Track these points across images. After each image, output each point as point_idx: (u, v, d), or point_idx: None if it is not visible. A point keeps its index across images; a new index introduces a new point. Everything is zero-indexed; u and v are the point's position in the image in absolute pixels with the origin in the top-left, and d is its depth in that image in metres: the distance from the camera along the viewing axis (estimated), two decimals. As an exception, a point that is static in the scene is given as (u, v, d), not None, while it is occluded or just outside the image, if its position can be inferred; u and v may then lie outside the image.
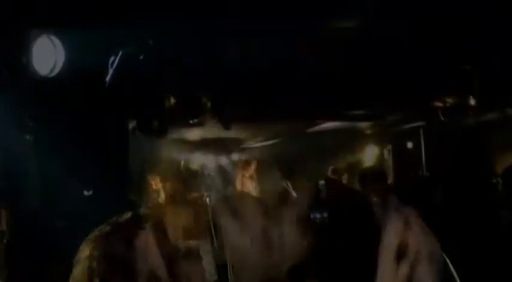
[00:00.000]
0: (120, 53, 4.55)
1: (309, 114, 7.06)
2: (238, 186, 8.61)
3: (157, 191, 9.48)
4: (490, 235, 3.58)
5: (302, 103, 6.38)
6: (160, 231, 2.80)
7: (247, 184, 8.72)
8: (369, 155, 11.70)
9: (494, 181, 5.23)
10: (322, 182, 8.84)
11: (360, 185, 4.24)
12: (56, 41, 3.45)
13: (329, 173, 9.64)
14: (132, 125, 6.35)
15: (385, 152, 11.63)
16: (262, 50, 5.26)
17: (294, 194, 8.34)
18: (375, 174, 4.26)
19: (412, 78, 6.30)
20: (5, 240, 3.10)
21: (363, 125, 9.84)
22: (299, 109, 6.70)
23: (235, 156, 11.45)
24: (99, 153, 5.37)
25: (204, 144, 11.04)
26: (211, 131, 8.93)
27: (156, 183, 9.58)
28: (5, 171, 3.84)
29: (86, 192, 4.66)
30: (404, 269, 3.04)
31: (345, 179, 9.43)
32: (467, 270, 3.14)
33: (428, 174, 9.07)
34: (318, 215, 3.78)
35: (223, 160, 11.69)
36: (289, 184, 9.15)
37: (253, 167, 8.86)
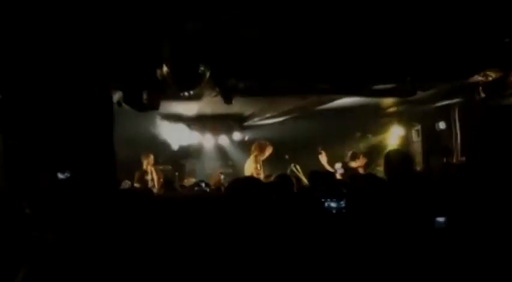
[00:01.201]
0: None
1: (325, 87, 6.95)
2: (248, 172, 8.92)
3: (149, 174, 9.67)
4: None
5: (317, 74, 6.28)
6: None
7: (258, 170, 8.99)
8: (394, 136, 11.63)
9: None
10: (338, 165, 8.82)
11: (383, 171, 4.15)
12: None
13: (347, 158, 9.57)
14: (117, 97, 6.32)
15: (413, 134, 11.55)
16: (271, 9, 5.17)
17: (304, 179, 8.50)
18: (401, 159, 4.17)
19: (449, 49, 6.23)
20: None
21: (388, 101, 9.70)
22: (314, 81, 6.60)
23: (237, 136, 11.57)
24: (78, 129, 5.31)
25: (201, 121, 10.98)
26: (210, 105, 8.90)
27: (146, 165, 9.80)
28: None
29: (60, 175, 4.60)
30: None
31: (362, 164, 9.40)
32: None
33: (464, 159, 8.97)
34: (333, 205, 3.74)
35: (224, 140, 11.79)
36: (298, 169, 9.39)
37: (268, 152, 9.13)
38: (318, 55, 6.07)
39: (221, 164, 12.01)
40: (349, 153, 9.69)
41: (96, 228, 2.48)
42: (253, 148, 9.04)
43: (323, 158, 8.91)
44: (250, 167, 8.85)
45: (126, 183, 8.64)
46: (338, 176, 8.40)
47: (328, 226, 3.55)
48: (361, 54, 6.22)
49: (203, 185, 6.88)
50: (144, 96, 6.16)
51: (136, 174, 9.43)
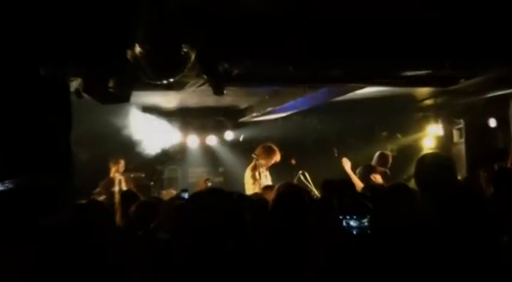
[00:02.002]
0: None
1: (342, 75, 6.95)
2: (248, 184, 8.98)
3: (115, 185, 9.68)
4: None
5: (332, 57, 6.30)
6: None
7: (256, 179, 9.04)
8: (430, 137, 11.66)
9: None
10: (360, 170, 8.85)
11: (415, 179, 4.18)
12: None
13: (374, 162, 9.59)
14: (75, 85, 6.31)
15: (455, 133, 11.58)
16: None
17: (315, 191, 8.50)
18: (438, 165, 4.18)
19: (500, 23, 6.22)
20: None
21: (422, 92, 9.72)
22: (326, 66, 6.62)
23: (230, 135, 11.60)
24: (22, 127, 5.29)
25: (184, 116, 11.03)
26: (195, 96, 8.91)
27: (114, 173, 9.81)
28: None
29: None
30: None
31: (382, 170, 9.43)
32: None
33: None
34: (354, 223, 3.78)
35: (213, 140, 11.82)
36: (308, 177, 9.40)
37: (275, 159, 9.20)
38: (334, 33, 6.07)
39: (209, 171, 12.04)
40: (377, 155, 9.50)
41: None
42: (257, 152, 9.08)
43: (347, 164, 8.93)
44: (248, 176, 8.92)
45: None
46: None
47: (348, 251, 3.56)
48: (387, 31, 6.21)
49: (186, 196, 6.88)
50: (111, 84, 6.16)
51: (101, 185, 9.45)
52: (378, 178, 8.53)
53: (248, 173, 8.98)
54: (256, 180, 8.81)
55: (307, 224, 4.21)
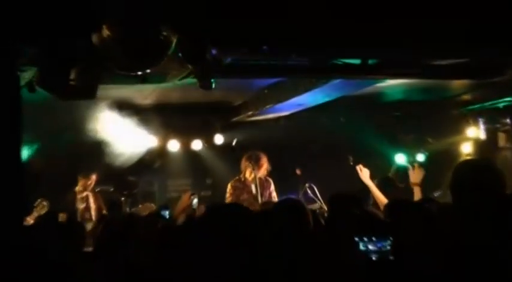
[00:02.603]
0: None
1: (357, 62, 6.97)
2: (231, 196, 9.10)
3: (78, 202, 9.69)
4: None
5: (345, 41, 6.30)
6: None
7: (249, 193, 9.13)
8: (469, 140, 11.67)
9: None
10: (376, 183, 8.84)
11: (451, 193, 4.19)
12: None
13: (392, 173, 9.57)
14: (27, 76, 6.30)
15: (500, 136, 11.58)
16: None
17: (324, 206, 8.49)
18: (480, 175, 4.17)
19: None
20: None
21: (457, 85, 9.73)
22: (340, 52, 6.62)
23: (220, 139, 11.60)
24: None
25: (163, 115, 11.01)
26: (176, 90, 8.96)
27: (81, 188, 9.82)
28: None
29: None
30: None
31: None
32: None
33: None
34: (373, 246, 3.81)
35: (199, 145, 11.82)
36: (315, 190, 9.36)
37: (264, 166, 9.27)
38: (350, 10, 6.08)
39: (194, 183, 12.05)
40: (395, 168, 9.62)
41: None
42: (242, 164, 9.24)
43: (364, 174, 8.92)
44: (229, 192, 9.18)
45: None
46: None
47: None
48: (415, 7, 6.22)
49: (166, 214, 6.89)
50: (72, 75, 6.16)
51: (67, 200, 9.51)
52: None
53: (229, 189, 9.21)
54: (232, 194, 8.99)
55: (311, 250, 4.23)
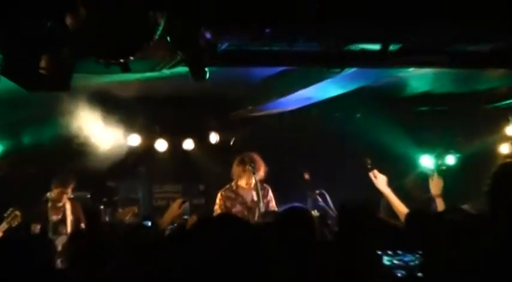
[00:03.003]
0: None
1: (378, 47, 6.96)
2: (222, 208, 9.11)
3: (49, 212, 9.67)
4: None
5: (362, 21, 6.27)
6: None
7: (243, 204, 9.14)
8: (508, 139, 11.64)
9: None
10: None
11: (488, 199, 4.21)
12: None
13: (409, 182, 9.54)
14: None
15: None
16: None
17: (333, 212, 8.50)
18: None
19: None
20: None
21: (494, 75, 9.71)
22: (357, 35, 6.61)
23: (215, 137, 11.58)
24: None
25: (149, 110, 11.04)
26: (165, 81, 8.95)
27: (56, 196, 9.80)
28: None
29: None
30: None
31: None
32: None
33: None
34: (398, 261, 3.87)
35: (190, 144, 11.83)
36: (327, 198, 9.35)
37: (262, 169, 9.26)
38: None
39: (184, 189, 12.04)
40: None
41: None
42: (235, 170, 9.22)
43: (379, 181, 8.88)
44: (218, 203, 9.15)
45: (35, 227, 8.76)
46: None
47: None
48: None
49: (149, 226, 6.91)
50: (42, 63, 6.14)
51: (38, 210, 9.49)
52: None
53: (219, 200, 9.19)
54: (222, 205, 8.97)
55: (323, 268, 4.24)
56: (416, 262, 3.76)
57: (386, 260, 3.74)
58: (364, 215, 5.52)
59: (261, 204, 9.00)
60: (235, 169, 9.45)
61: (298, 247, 4.65)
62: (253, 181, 9.20)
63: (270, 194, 9.47)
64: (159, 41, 5.90)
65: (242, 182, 9.35)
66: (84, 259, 5.13)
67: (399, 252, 3.78)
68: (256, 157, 9.37)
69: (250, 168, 9.21)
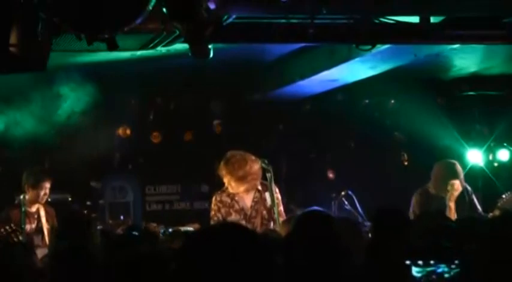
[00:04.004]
0: None
1: (409, 23, 6.98)
2: (217, 214, 9.07)
3: (36, 220, 9.71)
4: None
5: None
6: None
7: (238, 211, 9.09)
8: None
9: None
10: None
11: None
12: None
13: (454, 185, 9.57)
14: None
15: None
16: None
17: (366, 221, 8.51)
18: None
19: None
20: None
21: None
22: (384, 5, 6.62)
23: (220, 128, 11.47)
24: None
25: (143, 93, 11.06)
26: (161, 60, 8.96)
27: (30, 199, 9.84)
28: None
29: None
30: None
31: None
32: None
33: None
34: (432, 269, 3.93)
35: (191, 134, 11.78)
36: (355, 201, 9.33)
37: (250, 175, 9.20)
38: None
39: (184, 191, 12.08)
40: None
41: None
42: (222, 169, 9.10)
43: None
44: (213, 208, 9.08)
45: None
46: None
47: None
48: None
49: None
50: (12, 39, 6.17)
51: (2, 221, 9.51)
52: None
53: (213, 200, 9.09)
54: (217, 211, 8.91)
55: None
56: (452, 274, 3.80)
57: (415, 272, 3.78)
58: (404, 223, 5.56)
59: (276, 208, 8.91)
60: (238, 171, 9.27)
61: (322, 260, 4.67)
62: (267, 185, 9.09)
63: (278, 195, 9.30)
64: (153, 12, 5.93)
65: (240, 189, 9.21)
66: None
67: (432, 262, 3.81)
68: (227, 160, 9.16)
69: (264, 163, 9.14)
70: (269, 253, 2.87)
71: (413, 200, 8.79)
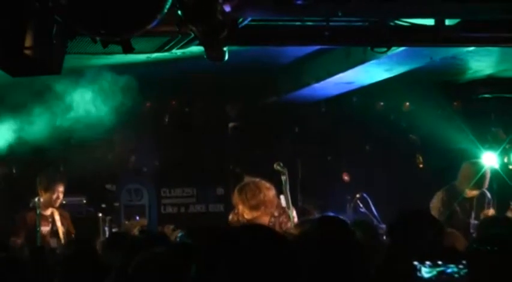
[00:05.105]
0: None
1: (424, 25, 6.97)
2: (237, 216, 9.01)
3: (51, 223, 9.71)
4: None
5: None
6: None
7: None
8: None
9: None
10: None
11: None
12: None
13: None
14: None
15: None
16: None
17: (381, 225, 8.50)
18: None
19: None
20: None
21: None
22: (400, 8, 6.59)
23: (234, 130, 11.50)
24: None
25: (158, 97, 11.09)
26: (176, 62, 8.96)
27: (45, 203, 9.83)
28: None
29: None
30: None
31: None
32: None
33: None
34: (439, 271, 3.88)
35: (205, 138, 11.72)
36: (370, 204, 9.31)
37: (265, 203, 9.14)
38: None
39: (199, 193, 12.07)
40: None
41: None
42: (235, 197, 9.01)
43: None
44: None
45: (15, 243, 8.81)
46: None
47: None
48: None
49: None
50: (27, 42, 6.16)
51: (17, 223, 9.52)
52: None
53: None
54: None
55: None
56: (462, 274, 3.78)
57: (425, 272, 3.77)
58: (429, 226, 5.52)
59: (290, 212, 8.87)
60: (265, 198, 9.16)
61: (335, 267, 4.65)
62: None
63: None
64: (168, 14, 5.92)
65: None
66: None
67: (439, 262, 3.81)
68: (237, 191, 9.07)
69: (279, 166, 9.11)
70: (295, 256, 2.87)
71: (437, 197, 8.80)
